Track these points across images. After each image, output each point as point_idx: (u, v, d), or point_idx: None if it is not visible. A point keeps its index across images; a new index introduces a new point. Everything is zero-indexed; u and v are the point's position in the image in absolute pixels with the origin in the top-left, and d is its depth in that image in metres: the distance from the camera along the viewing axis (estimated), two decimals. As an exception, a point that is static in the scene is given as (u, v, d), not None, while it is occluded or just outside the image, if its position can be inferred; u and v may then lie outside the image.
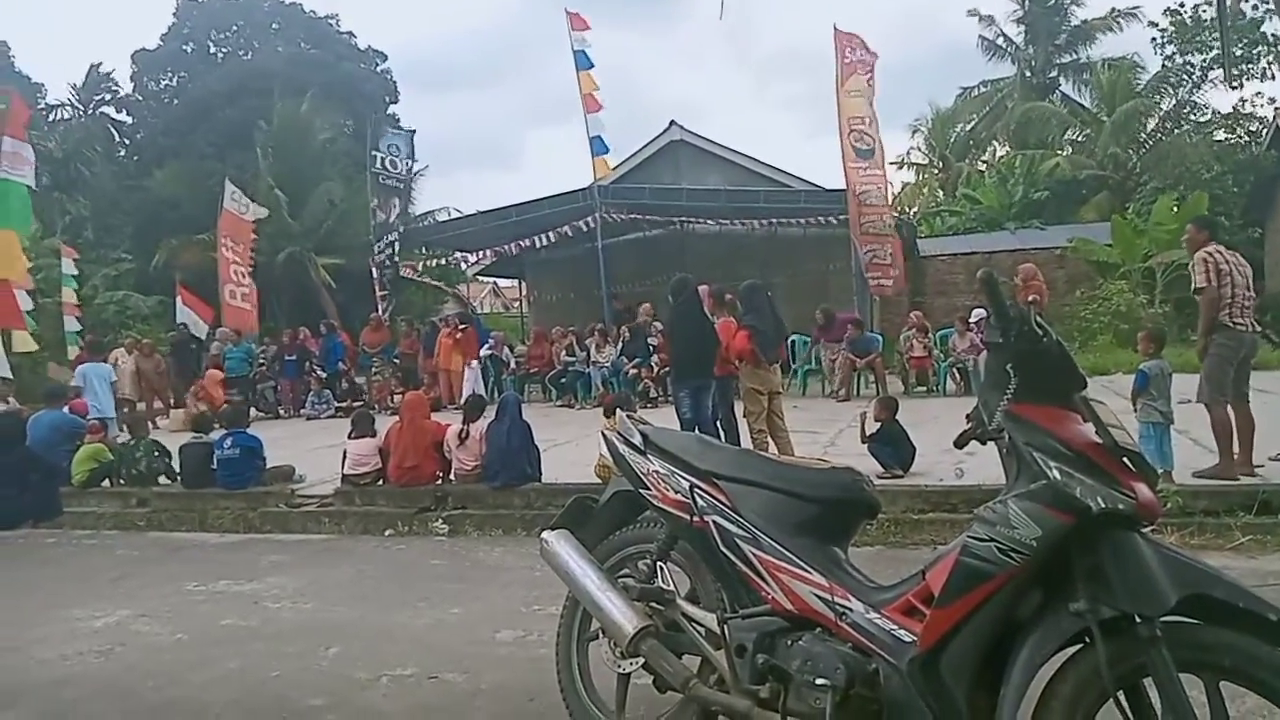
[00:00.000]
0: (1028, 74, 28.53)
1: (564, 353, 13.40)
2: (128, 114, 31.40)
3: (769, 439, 6.99)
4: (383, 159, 16.86)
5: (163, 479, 8.07)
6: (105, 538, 7.27)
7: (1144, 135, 23.34)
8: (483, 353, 14.37)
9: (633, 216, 14.81)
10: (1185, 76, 21.92)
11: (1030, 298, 7.12)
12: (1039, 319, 2.18)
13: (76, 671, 3.97)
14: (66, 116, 30.44)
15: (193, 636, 4.40)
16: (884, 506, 5.27)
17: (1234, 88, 20.54)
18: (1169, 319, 14.38)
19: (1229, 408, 5.77)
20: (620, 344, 12.97)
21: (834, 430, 8.62)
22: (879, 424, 6.64)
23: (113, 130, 31.39)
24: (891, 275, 13.57)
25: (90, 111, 31.05)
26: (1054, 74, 28.66)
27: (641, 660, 2.70)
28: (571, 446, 8.40)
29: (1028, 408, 2.12)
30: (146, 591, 5.33)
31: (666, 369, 11.84)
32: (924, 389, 11.97)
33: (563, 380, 13.17)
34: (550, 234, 14.68)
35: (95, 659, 4.13)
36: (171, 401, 13.49)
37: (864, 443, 6.57)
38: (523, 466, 6.88)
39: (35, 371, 15.11)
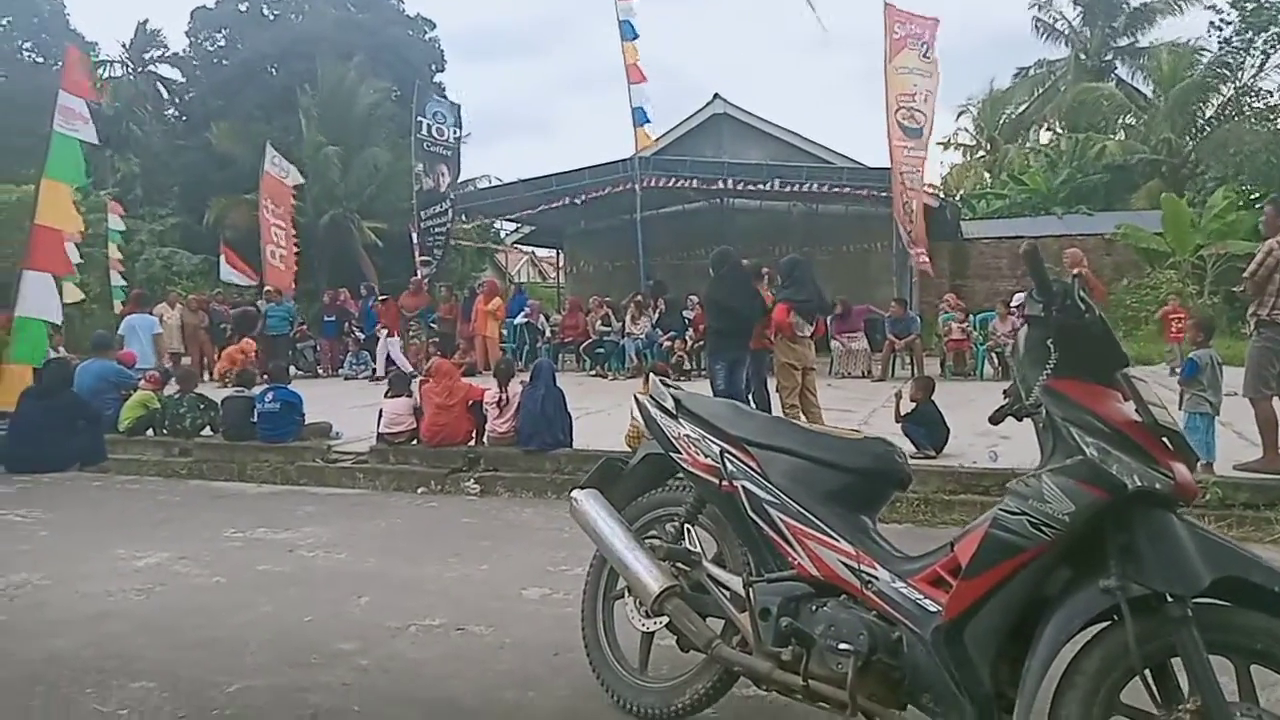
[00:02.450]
0: (1082, 56, 27.80)
1: (599, 323, 13.44)
2: (180, 73, 31.80)
3: (801, 415, 6.97)
4: (428, 126, 16.92)
5: (205, 431, 8.27)
6: (148, 484, 7.48)
7: (1201, 121, 22.62)
8: (518, 320, 14.52)
9: (674, 187, 14.73)
10: (1246, 57, 21.05)
11: (1076, 271, 6.99)
12: (1082, 294, 2.15)
13: (119, 607, 4.11)
14: (117, 74, 30.89)
15: (230, 580, 4.53)
16: (915, 486, 5.28)
17: None
18: (1218, 310, 14.02)
19: (1276, 402, 5.65)
20: (656, 316, 12.98)
21: (867, 409, 8.57)
22: (914, 404, 6.59)
23: (161, 89, 31.83)
24: (922, 255, 13.36)
25: (140, 70, 31.49)
26: (1110, 57, 27.91)
27: (666, 619, 2.74)
28: (603, 415, 8.45)
29: (1067, 383, 2.09)
30: (187, 536, 5.48)
31: (701, 342, 11.86)
32: (961, 373, 11.85)
33: (599, 350, 13.21)
34: (587, 196, 14.69)
35: (137, 596, 4.27)
36: (216, 357, 13.75)
37: (898, 422, 6.53)
38: (556, 432, 6.94)
39: (84, 322, 15.50)
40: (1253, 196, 17.77)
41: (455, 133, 17.46)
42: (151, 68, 31.89)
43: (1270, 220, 5.89)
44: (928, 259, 13.37)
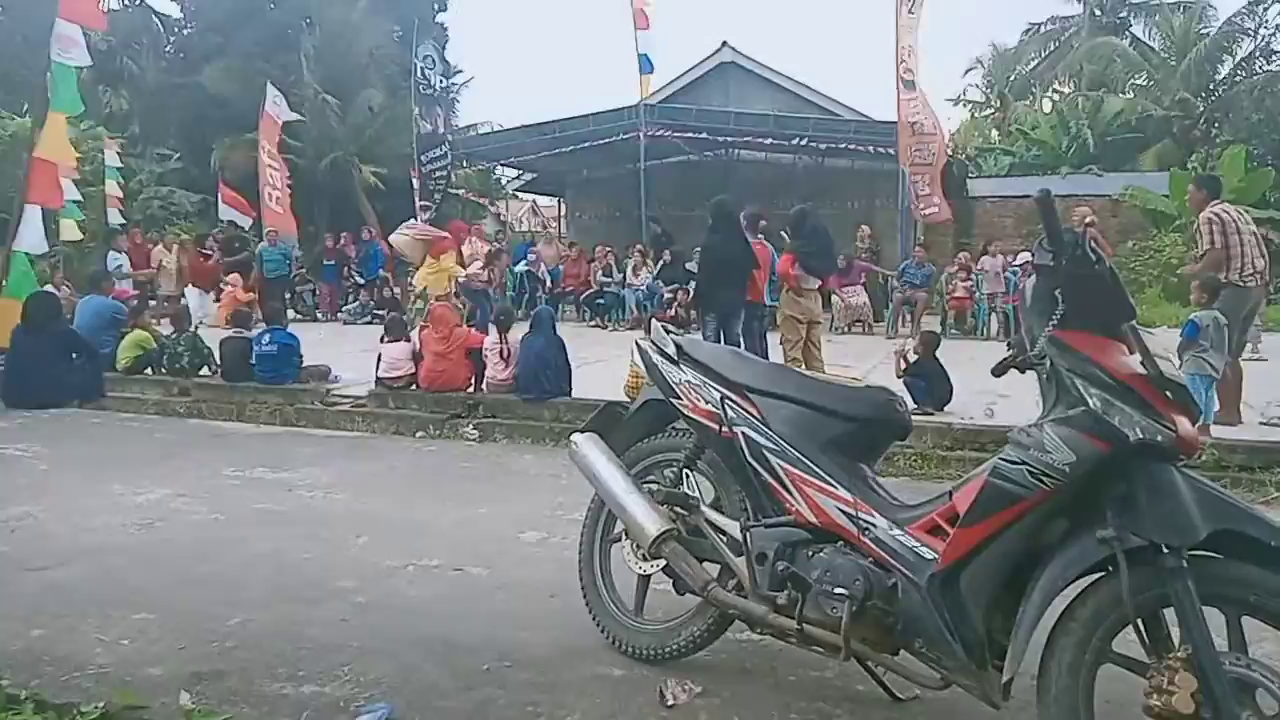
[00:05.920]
0: (1097, 12, 27.27)
1: (600, 273, 13.37)
2: (179, 7, 31.09)
3: (803, 369, 6.96)
4: (421, 69, 16.71)
5: (203, 372, 8.27)
6: (147, 421, 7.50)
7: (1214, 81, 22.22)
8: (519, 268, 14.43)
9: (678, 136, 14.52)
10: (1265, 18, 20.63)
11: (1089, 220, 7.20)
12: (1092, 245, 2.12)
13: (120, 541, 4.14)
14: (114, 7, 30.16)
15: (229, 517, 4.56)
16: (912, 440, 5.30)
17: None
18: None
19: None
20: (659, 267, 12.90)
21: (868, 364, 8.57)
22: (917, 356, 6.59)
23: (159, 24, 31.12)
24: (934, 203, 13.16)
25: (137, 2, 30.75)
26: (1124, 14, 27.36)
27: (662, 562, 2.76)
28: (601, 366, 8.44)
29: (1073, 334, 2.07)
30: (186, 473, 5.51)
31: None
32: (962, 331, 11.84)
33: (599, 301, 13.15)
34: (593, 143, 14.48)
35: (137, 531, 4.31)
36: (215, 296, 13.65)
37: (899, 377, 6.52)
38: (555, 381, 6.94)
39: (81, 260, 15.37)
40: (1253, 152, 17.50)
41: (441, 79, 17.23)
42: (148, 1, 31.14)
43: (1193, 197, 6.27)
44: (936, 210, 13.18)
